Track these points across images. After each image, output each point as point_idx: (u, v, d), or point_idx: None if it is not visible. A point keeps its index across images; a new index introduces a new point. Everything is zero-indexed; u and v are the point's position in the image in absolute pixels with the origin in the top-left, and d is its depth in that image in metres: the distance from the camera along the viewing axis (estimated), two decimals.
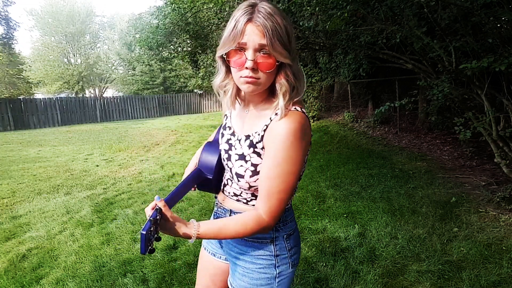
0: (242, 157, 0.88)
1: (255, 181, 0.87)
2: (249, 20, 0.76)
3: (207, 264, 1.13)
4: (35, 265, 2.45)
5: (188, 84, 21.44)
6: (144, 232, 0.68)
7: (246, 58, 0.77)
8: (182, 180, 0.96)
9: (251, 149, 0.87)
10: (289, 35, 0.78)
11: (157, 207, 0.78)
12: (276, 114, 0.83)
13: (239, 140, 0.91)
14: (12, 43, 19.50)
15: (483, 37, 3.23)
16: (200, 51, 9.90)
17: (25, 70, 21.75)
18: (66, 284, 2.17)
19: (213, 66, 11.73)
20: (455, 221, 2.93)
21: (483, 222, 2.89)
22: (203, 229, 0.81)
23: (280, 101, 0.82)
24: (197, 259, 2.38)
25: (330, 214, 3.15)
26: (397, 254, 2.40)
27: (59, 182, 4.73)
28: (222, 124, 1.06)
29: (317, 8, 4.01)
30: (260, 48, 0.76)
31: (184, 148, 7.44)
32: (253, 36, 0.76)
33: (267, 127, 0.84)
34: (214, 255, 1.10)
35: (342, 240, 2.65)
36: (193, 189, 1.03)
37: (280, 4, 4.50)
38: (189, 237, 0.81)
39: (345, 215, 3.12)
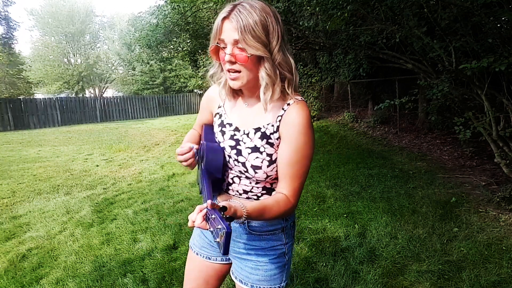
0: (255, 149, 0.92)
1: (271, 170, 0.92)
2: (226, 17, 0.82)
3: (201, 268, 1.14)
4: (35, 265, 2.45)
5: (188, 84, 21.45)
6: (230, 231, 0.64)
7: (225, 53, 0.83)
8: (202, 181, 0.96)
9: (264, 140, 0.91)
10: (267, 29, 0.81)
11: (219, 207, 0.74)
12: (288, 104, 0.89)
13: (247, 134, 0.94)
14: (12, 43, 19.50)
15: (483, 37, 3.23)
16: (200, 51, 9.90)
17: (25, 70, 21.76)
18: (66, 284, 2.17)
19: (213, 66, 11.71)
20: (455, 221, 2.93)
21: (483, 222, 2.89)
22: (249, 210, 0.81)
23: (261, 94, 0.87)
24: None
25: (330, 214, 3.15)
26: (397, 254, 2.40)
27: (59, 182, 4.73)
28: (217, 123, 1.03)
29: (317, 8, 4.00)
30: (235, 43, 0.81)
31: None
32: (229, 32, 0.81)
33: (281, 117, 0.89)
34: (209, 258, 1.12)
35: (342, 240, 2.65)
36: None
37: (280, 4, 4.50)
38: (241, 217, 0.80)
39: (345, 215, 3.12)
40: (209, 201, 0.72)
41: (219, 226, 0.66)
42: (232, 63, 0.84)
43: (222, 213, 0.71)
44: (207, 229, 0.71)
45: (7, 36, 18.23)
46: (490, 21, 2.99)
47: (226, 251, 0.64)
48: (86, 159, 6.50)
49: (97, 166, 5.79)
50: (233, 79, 0.86)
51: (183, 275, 2.19)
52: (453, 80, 3.63)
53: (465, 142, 4.70)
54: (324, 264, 2.29)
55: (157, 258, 2.44)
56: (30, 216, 3.45)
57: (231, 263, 1.11)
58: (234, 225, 0.99)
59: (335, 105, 11.11)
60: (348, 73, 7.90)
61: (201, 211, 0.72)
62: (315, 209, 3.29)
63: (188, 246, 2.63)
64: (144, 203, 3.71)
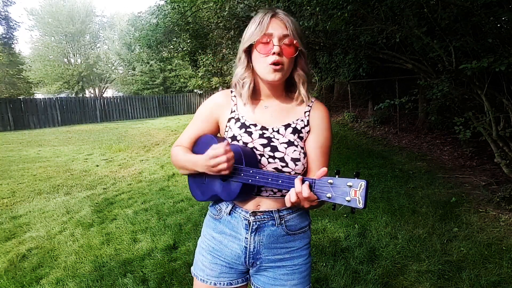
0: (290, 143, 0.96)
1: (305, 162, 0.97)
2: (273, 16, 0.93)
3: None
4: (35, 265, 2.45)
5: (188, 84, 21.43)
6: (368, 181, 0.69)
7: (273, 45, 0.90)
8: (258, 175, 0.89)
9: (296, 135, 0.97)
10: (302, 33, 0.96)
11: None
12: (312, 101, 1.01)
13: (277, 131, 0.97)
14: (12, 43, 19.48)
15: (483, 37, 3.23)
16: (200, 51, 9.90)
17: (25, 70, 21.74)
18: (66, 284, 2.17)
19: (212, 66, 11.73)
20: (455, 221, 2.93)
21: (483, 222, 2.89)
22: None
23: (301, 90, 0.98)
24: None
25: (330, 214, 3.15)
26: (397, 254, 2.40)
27: (59, 182, 4.73)
28: (235, 126, 0.99)
29: (317, 8, 4.00)
30: (283, 38, 0.91)
31: None
32: (278, 28, 0.91)
33: (309, 112, 1.00)
34: (231, 284, 1.03)
35: (342, 240, 2.65)
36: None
37: (280, 4, 4.50)
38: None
39: (345, 215, 3.12)
40: (323, 169, 0.76)
41: (349, 184, 0.69)
42: (278, 55, 0.90)
43: (337, 176, 0.74)
44: (316, 199, 0.77)
45: (7, 36, 18.22)
46: (490, 21, 2.99)
47: (365, 203, 0.68)
48: (86, 159, 6.50)
49: (97, 166, 5.79)
50: (277, 70, 0.91)
51: (183, 275, 2.20)
52: (453, 80, 3.63)
53: (465, 142, 4.71)
54: (324, 264, 2.29)
55: (157, 258, 2.44)
56: (30, 216, 3.45)
57: (246, 284, 1.06)
58: (271, 228, 0.96)
59: (335, 105, 11.10)
60: (348, 73, 7.90)
61: (301, 180, 0.78)
62: (315, 209, 3.29)
63: (188, 246, 2.63)
64: (144, 203, 3.71)
